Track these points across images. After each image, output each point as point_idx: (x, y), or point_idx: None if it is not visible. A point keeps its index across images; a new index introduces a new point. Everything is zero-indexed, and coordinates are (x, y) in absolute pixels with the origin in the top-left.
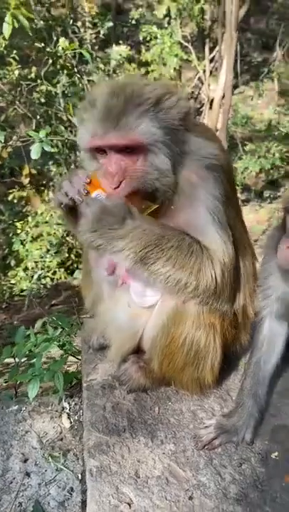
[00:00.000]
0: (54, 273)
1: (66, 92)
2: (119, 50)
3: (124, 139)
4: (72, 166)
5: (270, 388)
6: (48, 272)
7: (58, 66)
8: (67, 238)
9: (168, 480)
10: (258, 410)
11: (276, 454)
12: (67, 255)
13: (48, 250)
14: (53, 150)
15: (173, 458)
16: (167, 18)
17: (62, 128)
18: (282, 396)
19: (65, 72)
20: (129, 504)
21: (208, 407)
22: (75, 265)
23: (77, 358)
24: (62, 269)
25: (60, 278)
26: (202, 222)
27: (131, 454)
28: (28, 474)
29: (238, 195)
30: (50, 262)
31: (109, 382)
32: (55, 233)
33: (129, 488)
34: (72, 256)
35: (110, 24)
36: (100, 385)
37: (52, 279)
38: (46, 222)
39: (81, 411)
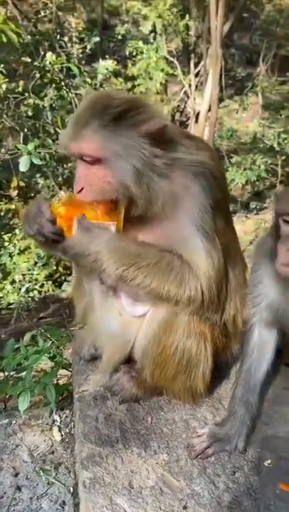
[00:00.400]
0: (42, 286)
1: (54, 105)
2: (105, 65)
3: (80, 148)
4: (60, 179)
5: (261, 396)
6: (35, 284)
7: (46, 80)
8: None
9: (162, 490)
10: (250, 418)
11: (269, 461)
12: (55, 268)
13: (36, 263)
14: (40, 163)
15: (166, 468)
16: (153, 34)
17: (50, 141)
18: (274, 403)
19: (53, 85)
20: None
21: (200, 416)
22: (63, 278)
23: (68, 370)
24: (50, 282)
25: (48, 291)
26: (186, 232)
27: (124, 465)
28: (19, 488)
29: None
30: (38, 274)
31: (101, 393)
32: None
33: (123, 499)
34: (60, 268)
35: (97, 39)
36: (92, 396)
37: (40, 292)
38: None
39: (72, 423)
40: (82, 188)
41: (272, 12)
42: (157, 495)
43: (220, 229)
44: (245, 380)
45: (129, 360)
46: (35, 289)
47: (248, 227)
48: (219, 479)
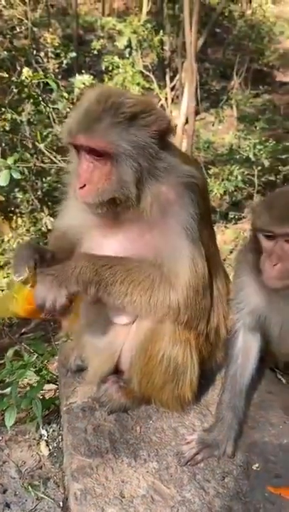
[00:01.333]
0: None
1: (32, 120)
2: (82, 79)
3: (91, 141)
4: (39, 193)
5: (247, 400)
6: None
7: (24, 95)
8: None
9: (153, 498)
10: (237, 422)
11: (257, 465)
12: None
13: None
14: (20, 177)
15: (157, 476)
16: (128, 49)
17: (28, 155)
18: (259, 408)
19: (31, 100)
20: None
21: (188, 423)
22: None
23: (55, 384)
24: None
25: None
26: (174, 239)
27: (115, 475)
28: (7, 505)
29: None
30: None
31: (89, 404)
32: None
33: (115, 509)
34: None
35: (74, 54)
36: (80, 407)
37: None
38: (14, 249)
39: (60, 437)
40: (85, 185)
41: (243, 27)
42: (149, 503)
43: (205, 240)
44: (232, 385)
45: (116, 371)
46: None
47: (227, 237)
48: (209, 485)
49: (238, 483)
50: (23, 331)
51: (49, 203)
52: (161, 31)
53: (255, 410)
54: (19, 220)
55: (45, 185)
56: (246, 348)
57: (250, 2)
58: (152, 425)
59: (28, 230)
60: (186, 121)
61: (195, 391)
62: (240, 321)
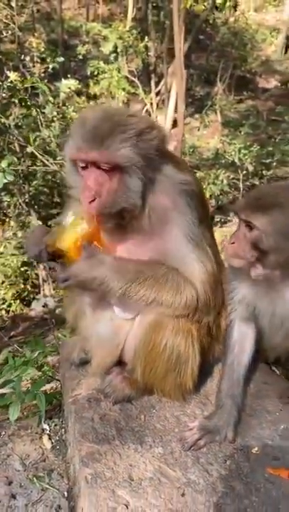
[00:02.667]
0: (10, 305)
1: (20, 123)
2: (68, 84)
3: (105, 157)
4: (27, 196)
5: (244, 388)
6: (3, 304)
7: (16, 100)
8: (22, 269)
9: (160, 480)
10: (236, 409)
11: (256, 449)
12: (22, 286)
13: (3, 282)
14: (12, 179)
15: (162, 460)
16: (113, 54)
17: (15, 159)
18: (256, 397)
19: (22, 104)
20: (126, 505)
21: (190, 411)
22: (32, 296)
23: (56, 379)
24: (18, 301)
25: (17, 310)
26: (178, 244)
27: (122, 460)
28: (13, 496)
29: None
30: (5, 293)
31: (94, 395)
32: (10, 264)
33: (125, 490)
34: (28, 287)
35: (61, 59)
36: (86, 398)
37: (7, 311)
38: (1, 253)
39: (62, 430)
40: (95, 198)
41: (226, 34)
42: (156, 485)
43: (208, 240)
44: (229, 374)
45: (119, 363)
46: (3, 308)
47: None
48: (212, 467)
49: (240, 465)
50: (12, 334)
51: (36, 207)
52: (146, 37)
53: (252, 399)
54: (6, 224)
55: (31, 188)
56: (242, 338)
57: (235, 10)
58: (156, 414)
59: (15, 234)
60: (173, 126)
61: (195, 380)
62: (235, 312)
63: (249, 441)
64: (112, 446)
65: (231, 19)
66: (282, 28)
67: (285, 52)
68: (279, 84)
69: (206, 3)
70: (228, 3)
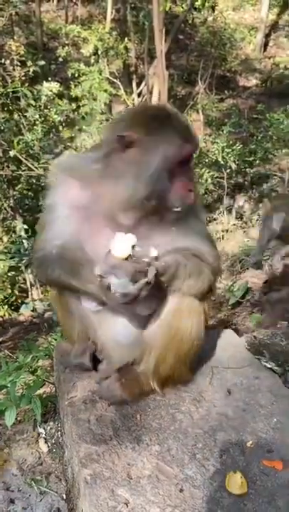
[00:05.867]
0: None
1: (1, 127)
2: (49, 87)
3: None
4: (11, 201)
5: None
6: None
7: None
8: (9, 273)
9: (158, 477)
10: None
11: (250, 442)
12: (10, 291)
13: None
14: None
15: (160, 457)
16: (94, 56)
17: None
18: (249, 392)
19: (4, 109)
20: (126, 504)
21: (184, 409)
22: (20, 301)
23: (50, 383)
24: (6, 306)
25: (5, 315)
26: (196, 231)
27: (120, 459)
28: (12, 501)
29: None
30: None
31: (89, 397)
32: None
33: (124, 489)
34: (16, 291)
35: (42, 62)
36: (82, 400)
37: None
38: None
39: (58, 433)
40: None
41: (206, 34)
42: (155, 482)
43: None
44: None
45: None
46: None
47: None
48: (209, 462)
49: (235, 459)
50: (0, 339)
51: (21, 211)
52: (126, 38)
53: (245, 394)
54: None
55: (16, 193)
56: None
57: (213, 10)
58: (151, 412)
59: (0, 239)
60: None
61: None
62: None
63: (244, 435)
64: (110, 446)
65: (210, 18)
66: (260, 26)
67: (264, 50)
68: (259, 83)
69: (184, 5)
70: (206, 4)
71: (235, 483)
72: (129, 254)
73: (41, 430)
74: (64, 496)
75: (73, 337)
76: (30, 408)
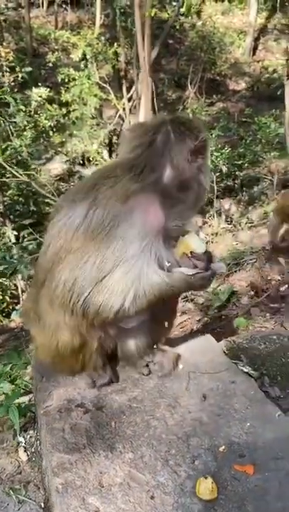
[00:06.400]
0: None
1: None
2: (39, 92)
3: None
4: (1, 207)
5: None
6: None
7: None
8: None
9: (130, 485)
10: None
11: (223, 447)
12: (1, 297)
13: None
14: None
15: (132, 465)
16: (83, 61)
17: None
18: (224, 397)
19: None
20: None
21: (159, 415)
22: (11, 307)
23: (29, 391)
24: None
25: None
26: None
27: (93, 468)
28: None
29: None
30: None
31: (65, 405)
32: None
33: (95, 497)
34: (7, 298)
35: (29, 69)
36: (57, 409)
37: None
38: None
39: (37, 442)
40: None
41: (195, 38)
42: (126, 489)
43: None
44: None
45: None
46: None
47: None
48: (181, 468)
49: (207, 464)
50: None
51: (11, 217)
52: (115, 43)
53: (220, 399)
54: None
55: (6, 198)
56: None
57: (199, 16)
58: (126, 420)
59: None
60: None
61: None
62: None
63: (217, 440)
64: (83, 454)
65: (199, 23)
66: (249, 30)
67: (253, 54)
68: (247, 87)
69: (170, 11)
70: (192, 10)
71: (206, 488)
72: None
73: (21, 439)
74: (42, 505)
75: (88, 367)
76: (9, 417)
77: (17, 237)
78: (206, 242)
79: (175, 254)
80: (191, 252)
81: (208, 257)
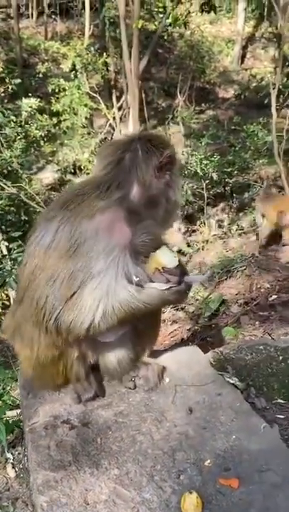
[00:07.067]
0: None
1: None
2: (29, 102)
3: None
4: None
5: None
6: None
7: None
8: None
9: (115, 502)
10: None
11: (208, 461)
12: None
13: None
14: None
15: (118, 481)
16: (73, 72)
17: None
18: (210, 409)
19: None
20: None
21: (145, 430)
22: (2, 318)
23: (17, 406)
24: None
25: None
26: None
27: (78, 485)
28: None
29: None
30: None
31: (51, 422)
32: None
33: None
34: None
35: (18, 80)
36: (43, 426)
37: None
38: None
39: (25, 458)
40: None
41: (184, 48)
42: (111, 506)
43: None
44: None
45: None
46: None
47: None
48: (166, 484)
49: (192, 479)
50: None
51: (3, 227)
52: (105, 54)
53: (206, 412)
54: None
55: None
56: None
57: (185, 27)
58: (112, 435)
59: None
60: None
61: None
62: None
63: (202, 454)
64: (68, 472)
65: (187, 33)
66: (237, 39)
67: (242, 62)
68: (236, 95)
69: (157, 22)
70: (178, 21)
71: (191, 503)
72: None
73: (9, 455)
74: None
75: (71, 379)
76: None
77: (8, 249)
78: (189, 253)
79: (147, 269)
80: (162, 268)
81: (182, 270)
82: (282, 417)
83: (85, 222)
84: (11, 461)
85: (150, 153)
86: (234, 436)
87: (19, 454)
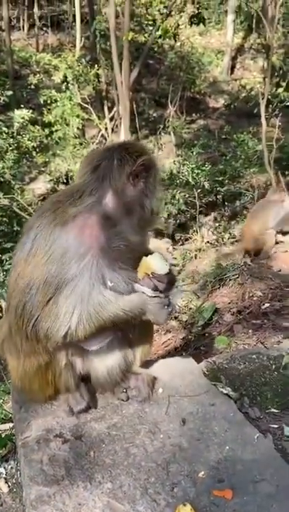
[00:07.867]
0: None
1: None
2: (21, 114)
3: None
4: None
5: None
6: None
7: None
8: None
9: None
10: None
11: (202, 473)
12: None
13: None
14: None
15: (111, 495)
16: (65, 83)
17: None
18: (204, 420)
19: None
20: None
21: (139, 442)
22: None
23: (10, 422)
24: None
25: None
26: None
27: (71, 499)
28: None
29: (154, 239)
30: None
31: (43, 436)
32: None
33: None
34: None
35: (10, 92)
36: (35, 440)
37: None
38: None
39: (18, 473)
40: None
41: (174, 59)
42: None
43: None
44: None
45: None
46: None
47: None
48: (160, 497)
49: (186, 491)
50: None
51: None
52: (96, 65)
53: (200, 423)
54: None
55: None
56: None
57: (175, 39)
58: (105, 448)
59: None
60: None
61: None
62: None
63: (196, 465)
64: (61, 486)
65: (177, 44)
66: (226, 50)
67: (231, 72)
68: (226, 104)
69: (146, 34)
70: (168, 34)
71: None
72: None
73: (1, 470)
74: None
75: (61, 389)
76: None
77: (0, 260)
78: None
79: (138, 274)
80: (152, 273)
81: (171, 278)
82: (275, 426)
83: (58, 228)
84: (4, 475)
85: (124, 160)
86: (228, 447)
87: (12, 468)
